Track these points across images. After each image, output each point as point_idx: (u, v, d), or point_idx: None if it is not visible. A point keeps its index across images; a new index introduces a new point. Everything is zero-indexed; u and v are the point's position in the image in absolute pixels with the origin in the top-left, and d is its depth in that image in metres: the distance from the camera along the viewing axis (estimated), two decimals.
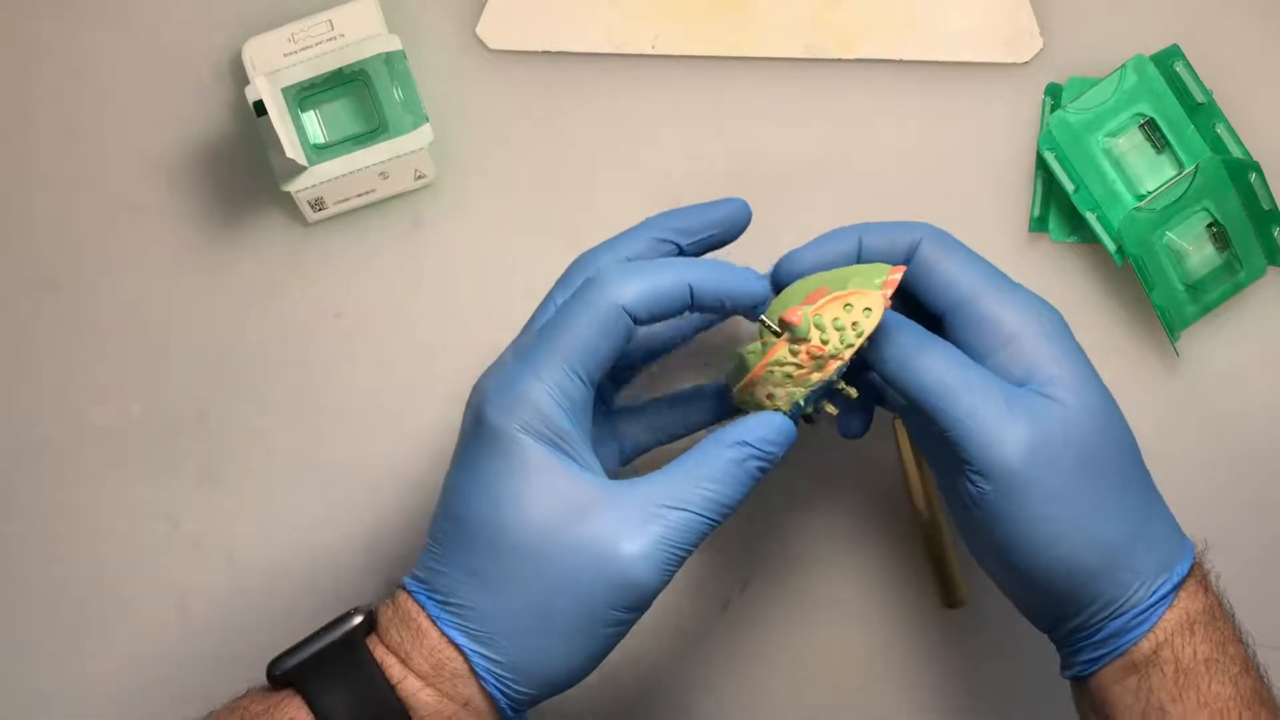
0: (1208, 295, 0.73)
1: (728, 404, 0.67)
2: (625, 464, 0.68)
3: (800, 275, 0.64)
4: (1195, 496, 0.74)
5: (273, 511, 0.75)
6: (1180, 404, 0.74)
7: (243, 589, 0.75)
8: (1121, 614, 0.61)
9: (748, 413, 0.62)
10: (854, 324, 0.60)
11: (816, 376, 0.60)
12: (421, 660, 0.59)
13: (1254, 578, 0.74)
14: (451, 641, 0.59)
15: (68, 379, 0.76)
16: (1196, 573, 0.62)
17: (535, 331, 0.60)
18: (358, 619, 0.60)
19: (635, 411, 0.68)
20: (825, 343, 0.60)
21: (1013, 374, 0.62)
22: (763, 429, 0.60)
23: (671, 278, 0.59)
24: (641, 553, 0.58)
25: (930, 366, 0.61)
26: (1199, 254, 0.73)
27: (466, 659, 0.58)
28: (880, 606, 0.74)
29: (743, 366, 0.62)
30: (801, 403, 0.61)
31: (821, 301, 0.60)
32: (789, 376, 0.61)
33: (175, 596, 0.75)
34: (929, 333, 0.63)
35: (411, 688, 0.59)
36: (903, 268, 0.62)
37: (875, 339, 0.61)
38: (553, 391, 0.59)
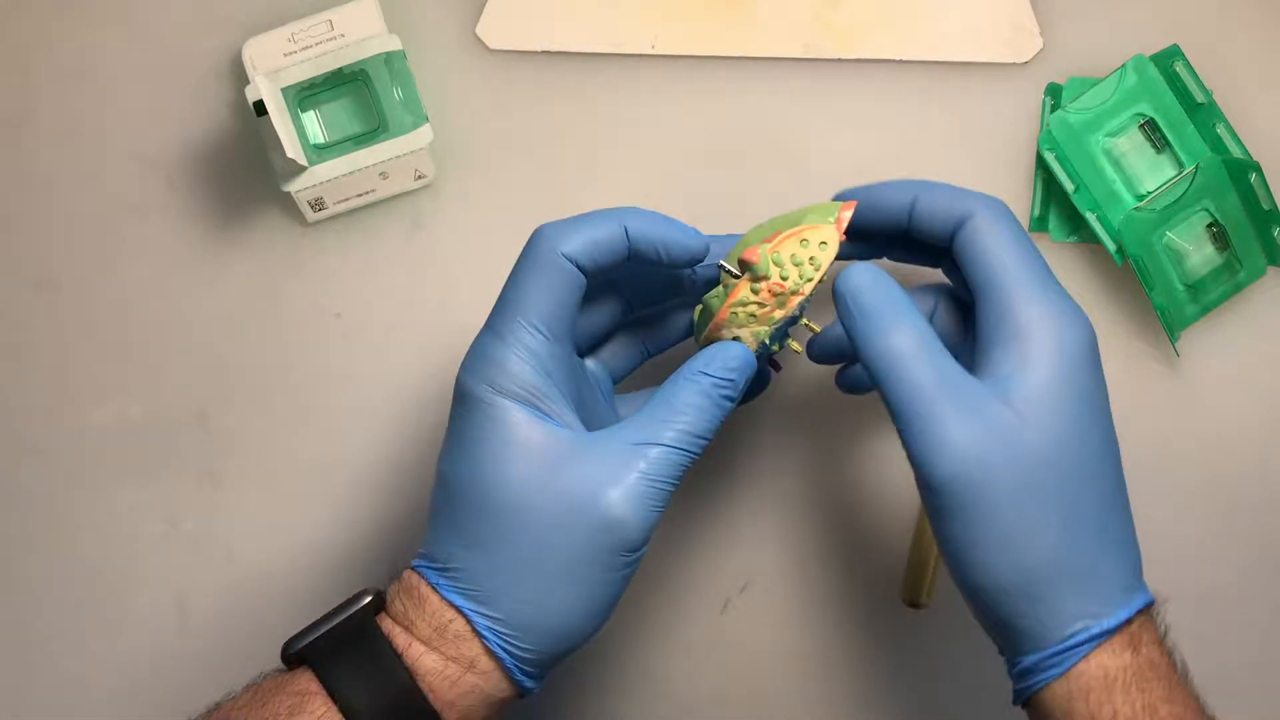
0: (1208, 295, 0.73)
1: None
2: None
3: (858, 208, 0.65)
4: (1194, 497, 0.74)
5: (273, 511, 0.75)
6: (1180, 404, 0.74)
7: (243, 589, 0.75)
8: (1033, 651, 0.59)
9: None
10: (811, 258, 0.61)
11: (779, 314, 0.62)
12: (425, 626, 0.60)
13: (1253, 580, 0.74)
14: (451, 604, 0.60)
15: (67, 379, 0.76)
16: (1131, 628, 0.59)
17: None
18: (367, 598, 0.61)
19: (635, 399, 0.68)
20: (785, 279, 0.61)
21: (999, 369, 0.60)
22: (720, 358, 0.62)
23: (608, 225, 0.61)
24: (624, 494, 0.59)
25: (894, 348, 0.59)
26: (1199, 254, 0.73)
27: (467, 619, 0.59)
28: (880, 608, 0.74)
29: (707, 312, 0.63)
30: (767, 341, 0.63)
31: (778, 239, 0.62)
32: (753, 316, 0.62)
33: (175, 596, 0.75)
34: (908, 305, 0.60)
35: (416, 653, 0.59)
36: (853, 203, 0.63)
37: (849, 305, 0.61)
38: (515, 349, 0.60)
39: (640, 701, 0.75)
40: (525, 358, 0.60)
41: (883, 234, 0.65)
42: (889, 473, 0.74)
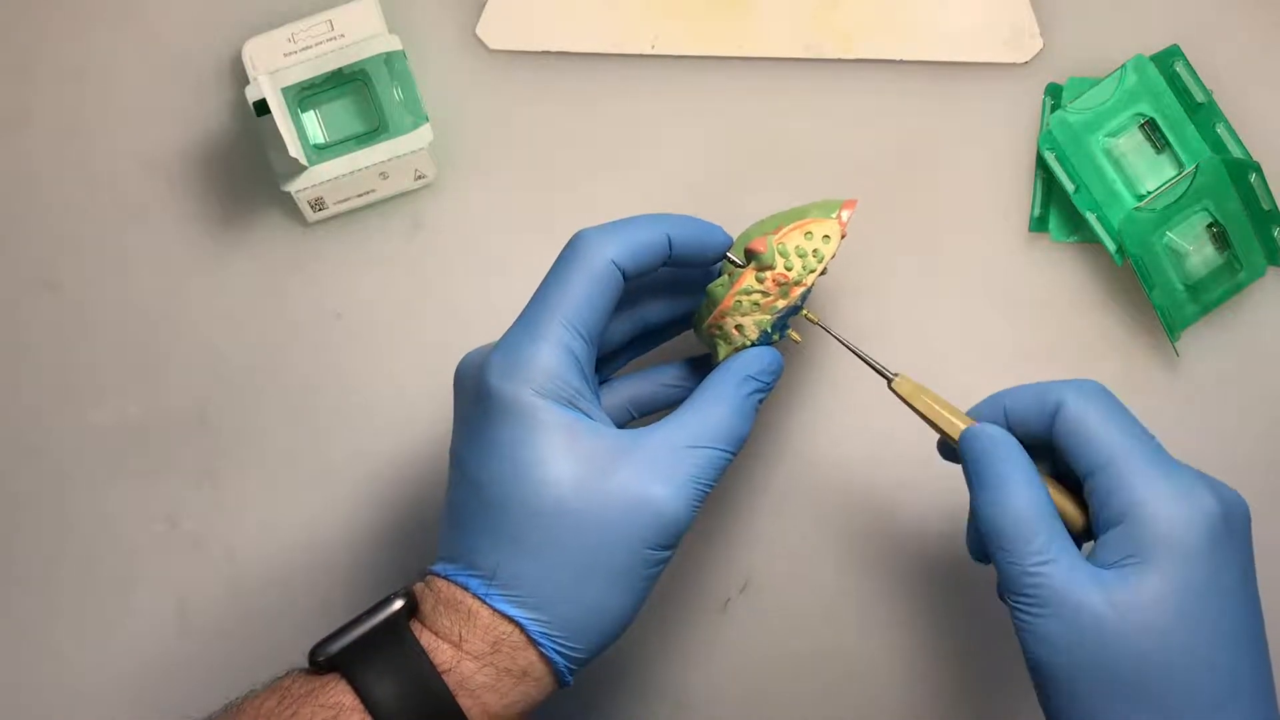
0: (1208, 295, 0.73)
1: (704, 365, 0.68)
2: None
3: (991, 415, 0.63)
4: None
5: (273, 511, 0.75)
6: (1180, 404, 0.74)
7: (243, 589, 0.75)
8: None
9: (719, 350, 0.65)
10: (814, 250, 0.63)
11: (782, 303, 0.64)
12: (477, 641, 0.59)
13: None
14: (505, 616, 0.59)
15: (68, 379, 0.76)
16: None
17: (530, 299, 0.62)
18: (399, 603, 0.60)
19: (612, 384, 0.68)
20: (789, 269, 0.63)
21: (1109, 555, 0.58)
22: (761, 362, 0.63)
23: (652, 230, 0.62)
24: (673, 493, 0.60)
25: (1005, 521, 0.59)
26: (1199, 254, 0.73)
27: (522, 629, 0.59)
28: (880, 606, 0.74)
29: (712, 300, 0.64)
30: (769, 330, 0.64)
31: (784, 231, 0.63)
32: (756, 305, 0.63)
33: (175, 596, 0.75)
34: (1025, 474, 0.60)
35: (466, 670, 0.59)
36: (855, 201, 0.65)
37: (968, 469, 0.61)
38: (557, 350, 0.60)
39: (640, 701, 0.75)
40: (567, 359, 0.60)
41: None
42: (890, 473, 0.74)
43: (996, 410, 0.62)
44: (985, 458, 0.60)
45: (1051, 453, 0.62)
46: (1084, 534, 0.62)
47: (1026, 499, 0.59)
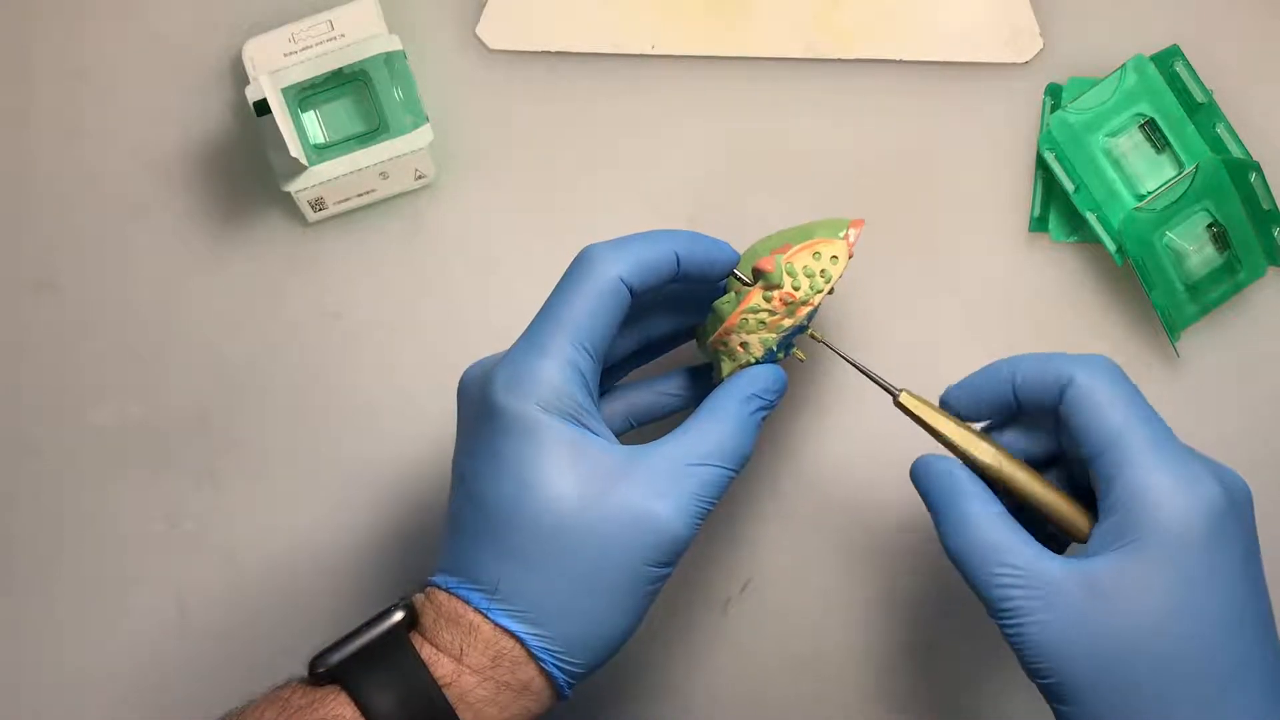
0: (1208, 295, 0.73)
1: (704, 376, 0.68)
2: None
3: (963, 407, 0.64)
4: None
5: (273, 511, 0.75)
6: (1180, 404, 0.74)
7: (243, 589, 0.75)
8: None
9: (723, 366, 0.64)
10: (822, 271, 0.63)
11: (789, 322, 0.63)
12: (478, 655, 0.59)
13: None
14: (506, 630, 0.59)
15: (68, 379, 0.76)
16: None
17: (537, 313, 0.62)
18: (399, 614, 0.60)
19: (611, 394, 0.68)
20: (797, 289, 0.63)
21: (1106, 544, 0.57)
22: (765, 380, 0.63)
23: (660, 247, 0.62)
24: (676, 510, 0.59)
25: (967, 546, 0.59)
26: (1199, 254, 0.73)
27: (523, 644, 0.59)
28: (881, 607, 0.74)
29: (717, 317, 0.64)
30: (774, 348, 0.64)
31: (792, 250, 0.63)
32: (762, 323, 0.63)
33: (175, 596, 0.75)
34: (972, 495, 0.60)
35: (467, 684, 0.59)
36: (863, 220, 0.65)
37: (923, 498, 0.62)
38: (563, 367, 0.60)
39: (640, 701, 0.75)
40: (572, 375, 0.60)
41: (1000, 415, 0.64)
42: (890, 477, 0.74)
43: (1003, 379, 0.62)
44: (933, 487, 0.61)
45: (1056, 424, 0.62)
46: (1082, 536, 0.62)
47: (979, 522, 0.59)
